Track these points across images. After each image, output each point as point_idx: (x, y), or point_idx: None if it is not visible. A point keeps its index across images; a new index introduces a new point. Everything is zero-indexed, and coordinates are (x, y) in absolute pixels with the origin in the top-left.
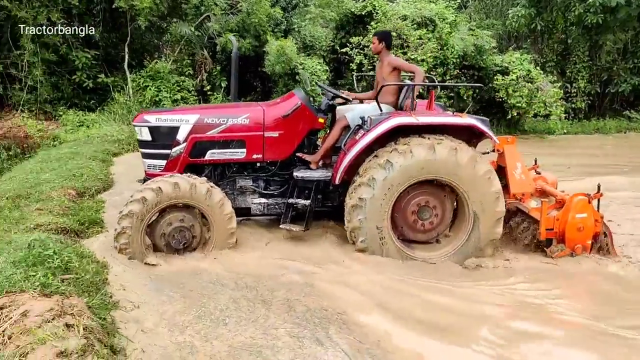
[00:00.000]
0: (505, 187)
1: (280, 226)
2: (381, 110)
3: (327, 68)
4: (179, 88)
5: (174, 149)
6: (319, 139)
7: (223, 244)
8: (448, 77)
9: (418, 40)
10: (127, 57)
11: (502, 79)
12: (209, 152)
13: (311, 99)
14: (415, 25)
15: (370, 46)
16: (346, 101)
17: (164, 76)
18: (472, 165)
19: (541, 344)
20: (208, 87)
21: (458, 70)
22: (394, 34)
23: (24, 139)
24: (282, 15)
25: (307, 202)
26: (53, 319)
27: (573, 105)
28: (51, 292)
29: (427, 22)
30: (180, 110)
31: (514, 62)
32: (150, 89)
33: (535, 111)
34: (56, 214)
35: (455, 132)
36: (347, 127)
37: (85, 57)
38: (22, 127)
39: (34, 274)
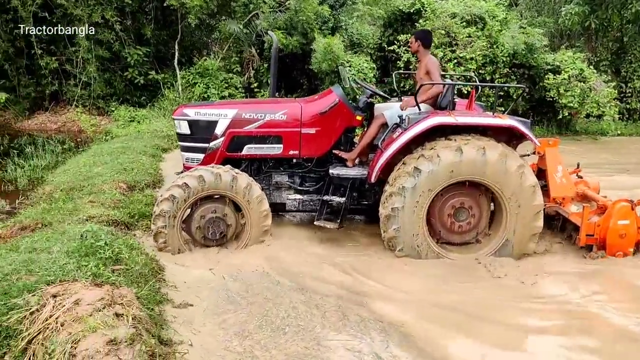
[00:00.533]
0: (546, 190)
1: (315, 223)
2: (420, 110)
3: (374, 66)
4: (226, 85)
5: (211, 143)
6: (356, 137)
7: (259, 229)
8: (497, 76)
9: (467, 38)
10: (177, 54)
11: (554, 78)
12: (246, 146)
13: (355, 96)
14: (464, 23)
15: (410, 46)
16: (384, 99)
17: (212, 73)
18: (503, 161)
19: None
20: (255, 84)
21: (508, 69)
22: (442, 31)
23: (78, 133)
24: (329, 13)
25: (342, 199)
26: (104, 308)
27: (628, 106)
28: (102, 281)
29: (477, 19)
30: (219, 105)
31: (566, 60)
32: (199, 86)
33: (588, 111)
34: (107, 206)
35: (495, 133)
36: (384, 125)
37: (137, 54)
38: (76, 121)
39: (86, 264)
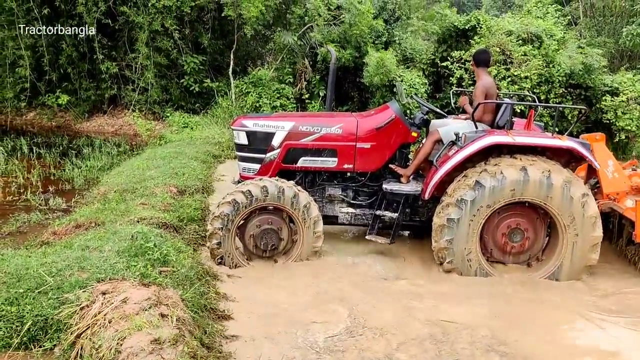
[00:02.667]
0: (598, 187)
1: (367, 237)
2: (477, 128)
3: (426, 81)
4: (278, 95)
5: (268, 154)
6: (410, 153)
7: (309, 248)
8: (552, 96)
9: (523, 57)
10: (232, 63)
11: (611, 100)
12: (302, 159)
13: (407, 111)
14: (520, 41)
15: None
16: (441, 116)
17: (265, 83)
18: (567, 188)
19: None
20: (307, 96)
21: (564, 89)
22: (497, 49)
23: (133, 137)
24: (383, 27)
25: (395, 215)
26: (150, 308)
27: None
28: (149, 282)
29: (534, 38)
30: (277, 117)
31: (625, 82)
32: (251, 95)
33: None
34: (158, 209)
35: (554, 154)
36: (439, 142)
37: (194, 62)
38: (132, 125)
39: (135, 264)
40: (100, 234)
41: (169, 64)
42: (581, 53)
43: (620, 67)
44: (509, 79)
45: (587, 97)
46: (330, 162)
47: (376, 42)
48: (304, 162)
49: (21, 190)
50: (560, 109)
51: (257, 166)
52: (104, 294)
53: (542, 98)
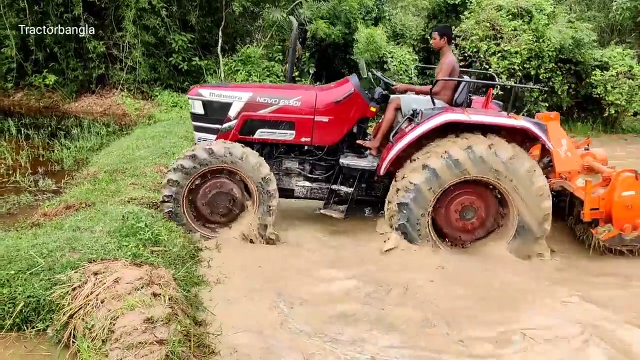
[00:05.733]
0: (551, 165)
1: (321, 211)
2: (434, 104)
3: (417, 57)
4: (268, 73)
5: (224, 125)
6: (369, 127)
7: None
8: (542, 71)
9: (513, 32)
10: (220, 41)
11: (601, 75)
12: (259, 130)
13: (370, 88)
14: (510, 16)
15: (431, 41)
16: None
17: (254, 61)
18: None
19: None
20: (297, 73)
21: (553, 64)
22: (487, 24)
23: (122, 117)
24: (373, 3)
25: (350, 189)
26: (142, 287)
27: None
28: (141, 262)
29: (524, 12)
30: (234, 87)
31: (615, 57)
32: (241, 73)
33: (636, 109)
34: (148, 189)
35: (509, 134)
36: (399, 110)
37: (182, 40)
38: (121, 105)
39: (127, 244)
40: (91, 214)
41: (157, 42)
42: (571, 27)
43: (610, 41)
44: (499, 54)
45: (577, 71)
46: (288, 135)
47: (366, 18)
48: (261, 134)
49: (10, 172)
50: (549, 84)
51: (213, 137)
52: (95, 274)
53: (532, 73)
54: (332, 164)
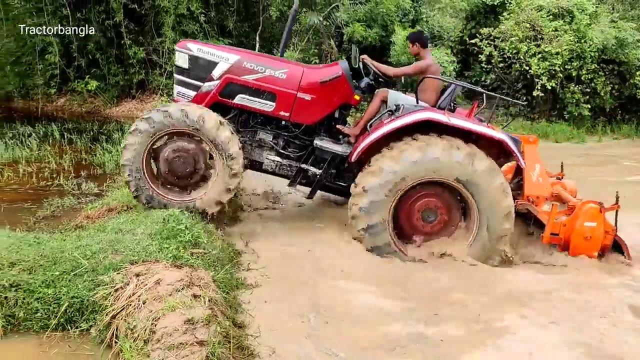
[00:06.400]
0: (521, 185)
1: (287, 186)
2: (417, 103)
3: (455, 59)
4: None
5: (206, 83)
6: (349, 116)
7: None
8: (584, 72)
9: (553, 32)
10: (257, 45)
11: None
12: (239, 95)
13: (365, 78)
14: (551, 17)
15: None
16: (388, 85)
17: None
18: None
19: None
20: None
21: (596, 65)
22: (527, 25)
23: None
24: (410, 5)
25: (319, 171)
26: (182, 289)
27: None
28: (182, 263)
29: (565, 13)
30: (224, 48)
31: None
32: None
33: None
34: None
35: (487, 145)
36: (385, 102)
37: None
38: None
39: (168, 246)
40: (132, 217)
41: None
42: (614, 27)
43: None
44: (539, 55)
45: (621, 72)
46: (268, 106)
47: (403, 20)
48: (241, 99)
49: (54, 175)
50: (591, 85)
51: (192, 93)
52: (137, 275)
53: (573, 74)
54: (306, 143)
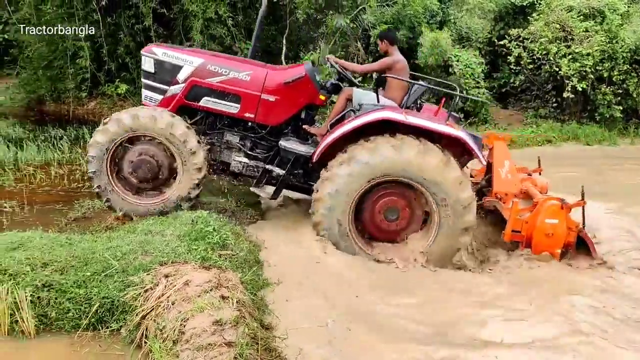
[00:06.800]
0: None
1: (251, 189)
2: (378, 102)
3: (483, 61)
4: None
5: (172, 87)
6: (317, 116)
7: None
8: (616, 73)
9: (584, 33)
10: (284, 48)
11: None
12: (205, 98)
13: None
14: (581, 17)
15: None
16: (355, 85)
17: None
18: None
19: None
20: (359, 78)
21: (628, 66)
22: (557, 25)
23: None
24: (438, 7)
25: (282, 172)
26: (211, 290)
27: None
28: (210, 265)
29: (596, 13)
30: (188, 51)
31: None
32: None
33: None
34: (216, 194)
35: (449, 144)
36: (350, 101)
37: (247, 49)
38: None
39: (196, 247)
40: (161, 218)
41: (223, 50)
42: None
43: None
44: (570, 56)
45: None
46: (233, 108)
47: (430, 22)
48: (206, 102)
49: (85, 178)
50: (623, 86)
51: (159, 97)
52: (166, 276)
53: (604, 75)
54: (272, 144)
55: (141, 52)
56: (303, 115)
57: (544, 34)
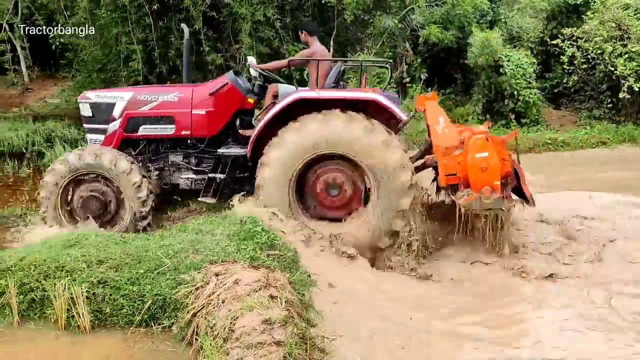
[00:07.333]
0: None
1: (199, 199)
2: (297, 89)
3: (535, 61)
4: (378, 80)
5: (111, 124)
6: (255, 119)
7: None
8: None
9: None
10: (332, 49)
11: None
12: (142, 127)
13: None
14: (638, 15)
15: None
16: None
17: (364, 68)
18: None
19: None
20: (407, 79)
21: None
22: (612, 24)
23: None
24: (488, 6)
25: (222, 176)
26: (260, 289)
27: None
28: (259, 264)
29: None
30: (118, 89)
31: None
32: (352, 80)
33: None
34: None
35: (376, 111)
36: (277, 96)
37: (295, 51)
38: None
39: (245, 247)
40: (211, 218)
41: (271, 53)
42: None
43: None
44: (626, 55)
45: None
46: (169, 129)
47: (481, 21)
48: (144, 130)
49: None
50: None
51: (102, 137)
52: (217, 275)
53: None
54: (215, 155)
55: (78, 100)
56: (238, 122)
57: (598, 32)
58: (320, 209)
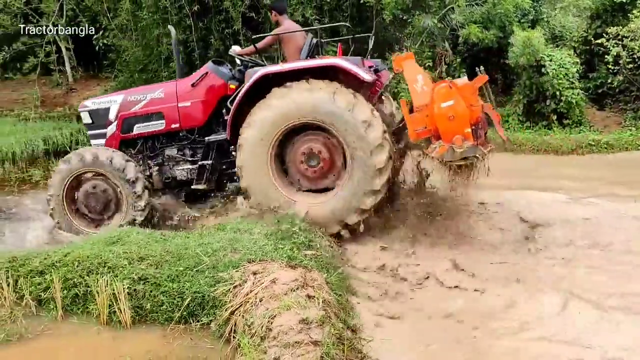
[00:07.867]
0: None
1: (192, 187)
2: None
3: (578, 60)
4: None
5: (108, 128)
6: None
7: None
8: None
9: None
10: (370, 49)
11: None
12: (136, 126)
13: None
14: None
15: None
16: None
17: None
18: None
19: None
20: (447, 79)
21: None
22: None
23: None
24: (530, 5)
25: (210, 162)
26: (297, 289)
27: None
28: (296, 264)
29: None
30: (112, 93)
31: None
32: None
33: None
34: None
35: (346, 78)
36: None
37: (333, 51)
38: None
39: (282, 246)
40: (248, 217)
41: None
42: None
43: None
44: None
45: None
46: (160, 125)
47: (522, 20)
48: (138, 129)
49: None
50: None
51: (102, 141)
52: (254, 274)
53: None
54: (204, 143)
55: (78, 109)
56: (225, 109)
57: None
58: (305, 181)
